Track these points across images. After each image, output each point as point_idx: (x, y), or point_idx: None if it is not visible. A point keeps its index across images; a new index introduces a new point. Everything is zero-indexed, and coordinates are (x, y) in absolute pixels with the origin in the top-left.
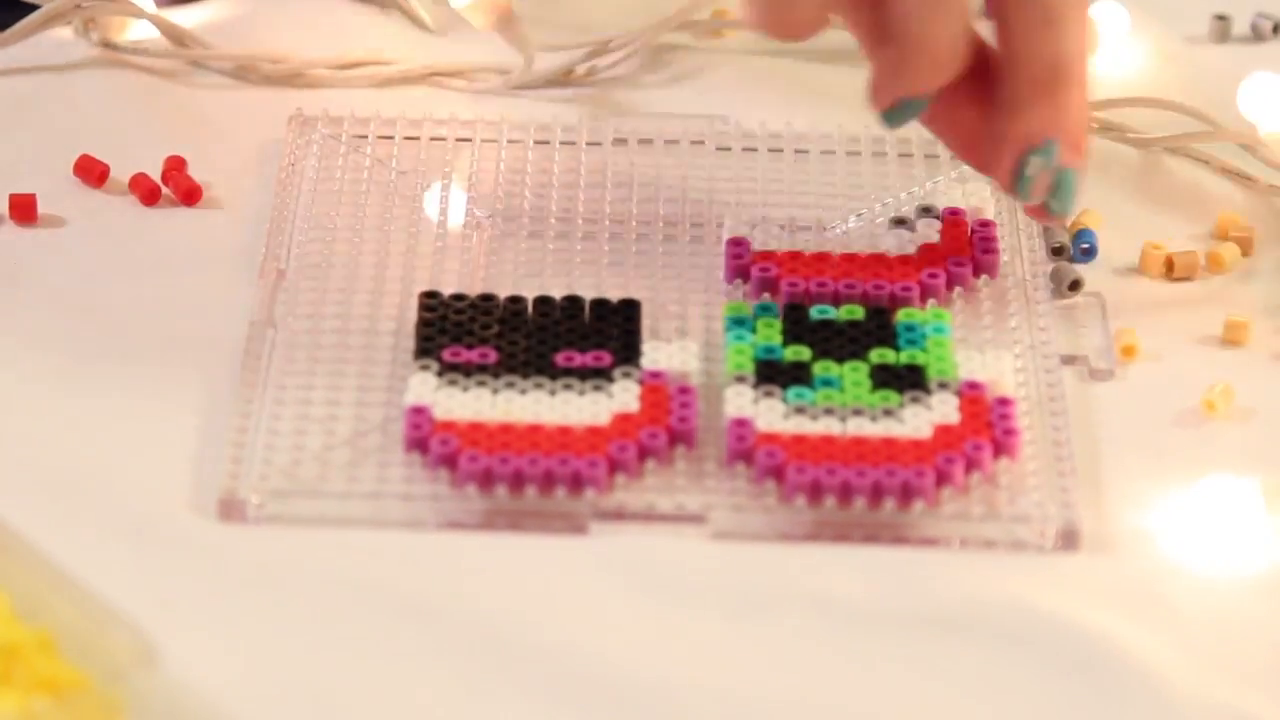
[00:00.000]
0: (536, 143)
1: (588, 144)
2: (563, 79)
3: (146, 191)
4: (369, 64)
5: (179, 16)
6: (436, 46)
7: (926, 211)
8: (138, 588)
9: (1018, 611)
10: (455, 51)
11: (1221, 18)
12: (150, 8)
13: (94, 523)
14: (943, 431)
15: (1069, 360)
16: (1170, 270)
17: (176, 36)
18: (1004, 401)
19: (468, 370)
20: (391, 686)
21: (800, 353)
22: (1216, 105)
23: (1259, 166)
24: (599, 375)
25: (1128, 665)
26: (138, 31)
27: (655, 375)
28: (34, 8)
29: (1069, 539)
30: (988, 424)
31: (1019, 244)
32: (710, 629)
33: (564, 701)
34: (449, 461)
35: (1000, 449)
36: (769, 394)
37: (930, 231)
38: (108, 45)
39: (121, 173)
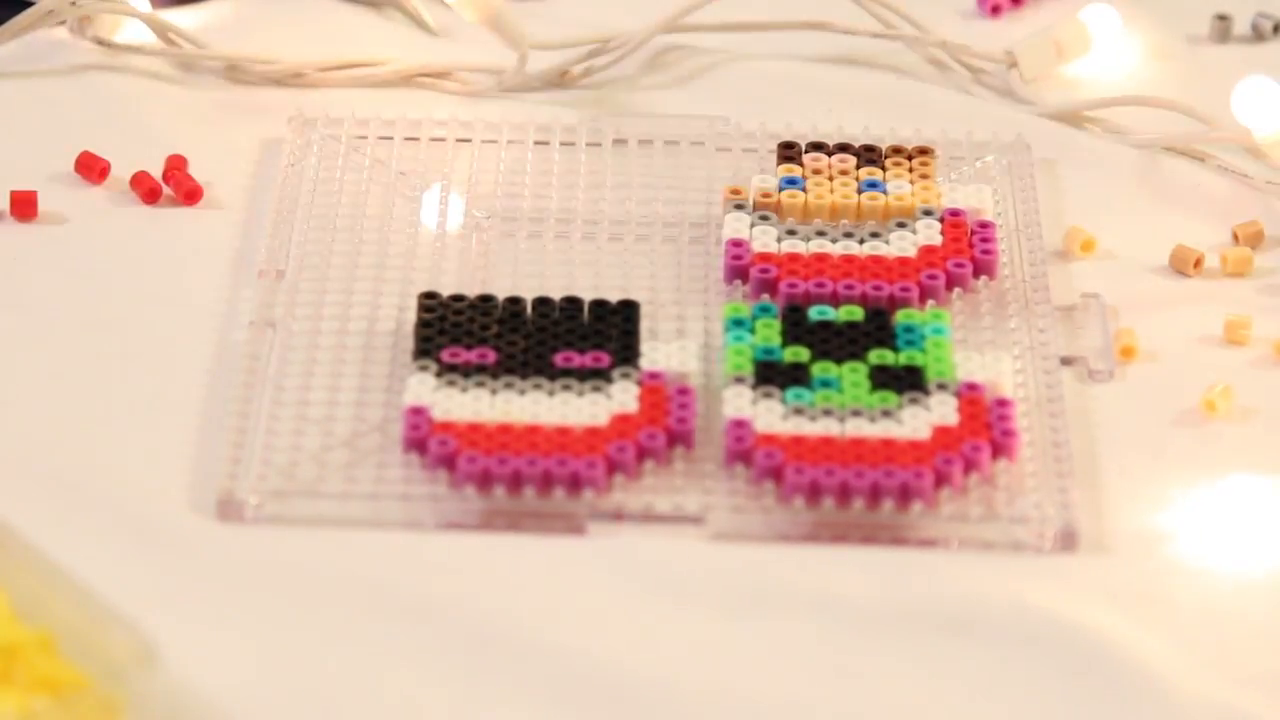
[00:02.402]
0: (536, 143)
1: (587, 145)
2: (559, 80)
3: (147, 190)
4: (363, 65)
5: (176, 17)
6: (431, 47)
7: (927, 213)
8: (137, 588)
9: (1018, 611)
10: (450, 52)
11: (1222, 18)
12: (145, 7)
13: (93, 522)
14: (941, 433)
15: (1068, 361)
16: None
17: (168, 37)
18: (1002, 403)
19: (466, 371)
20: (389, 685)
21: (799, 354)
22: (1216, 105)
23: (1258, 165)
24: (598, 376)
25: (1128, 665)
26: (132, 30)
27: (654, 376)
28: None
29: (1067, 540)
30: (986, 425)
31: (1018, 245)
32: (708, 629)
33: (562, 701)
34: (447, 462)
35: (999, 450)
36: (768, 395)
37: (931, 233)
38: (101, 43)
39: (122, 171)
